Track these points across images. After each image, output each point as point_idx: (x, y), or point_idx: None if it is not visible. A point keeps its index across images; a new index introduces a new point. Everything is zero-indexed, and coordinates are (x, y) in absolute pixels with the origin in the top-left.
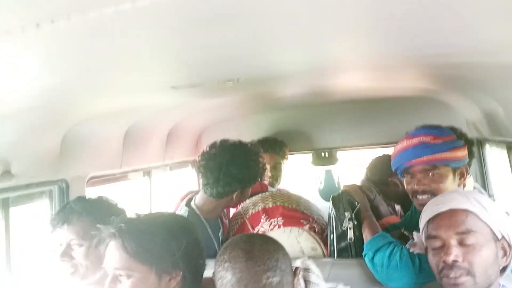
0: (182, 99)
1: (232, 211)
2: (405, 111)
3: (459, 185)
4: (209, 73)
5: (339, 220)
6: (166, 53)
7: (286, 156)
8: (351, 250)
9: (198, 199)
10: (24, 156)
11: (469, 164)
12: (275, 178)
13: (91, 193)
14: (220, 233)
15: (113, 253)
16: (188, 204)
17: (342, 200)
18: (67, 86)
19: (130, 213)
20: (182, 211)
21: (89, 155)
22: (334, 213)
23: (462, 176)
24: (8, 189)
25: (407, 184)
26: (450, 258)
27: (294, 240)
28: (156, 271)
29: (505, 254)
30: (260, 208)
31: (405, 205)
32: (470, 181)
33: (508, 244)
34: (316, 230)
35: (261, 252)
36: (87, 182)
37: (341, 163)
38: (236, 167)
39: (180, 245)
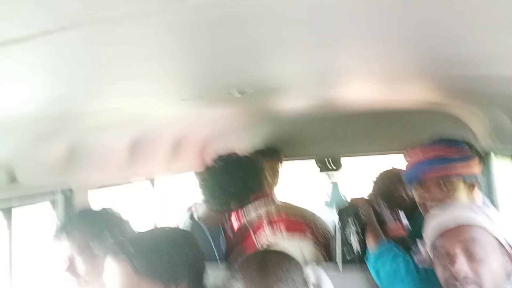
0: (189, 110)
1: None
2: (411, 123)
3: (468, 197)
4: (216, 84)
5: (345, 232)
6: (174, 62)
7: (282, 161)
8: (357, 263)
9: (201, 210)
10: (30, 165)
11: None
12: (275, 182)
13: (96, 199)
14: (221, 240)
15: (118, 270)
16: (191, 217)
17: (349, 212)
18: (74, 95)
19: (134, 223)
20: (186, 223)
21: (95, 164)
22: (340, 226)
23: (473, 188)
24: (13, 198)
25: (418, 196)
26: (459, 273)
27: (298, 251)
28: (163, 284)
29: (511, 261)
30: (264, 219)
31: (412, 218)
32: (477, 192)
33: None
34: (320, 240)
35: (272, 263)
36: (91, 190)
37: (346, 170)
38: (232, 184)
39: (186, 258)
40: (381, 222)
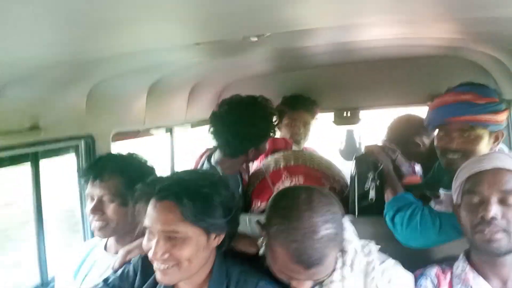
0: (205, 56)
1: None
2: (430, 71)
3: (491, 149)
4: (233, 28)
5: (362, 180)
6: (190, 3)
7: (316, 116)
8: (372, 210)
9: (216, 156)
10: (51, 111)
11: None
12: (303, 136)
13: (116, 148)
14: (240, 189)
15: (166, 215)
16: (209, 160)
17: (365, 160)
18: (91, 41)
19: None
20: (205, 166)
21: (114, 111)
22: (357, 173)
23: (496, 140)
24: (37, 143)
25: (439, 140)
26: (490, 214)
27: None
28: (205, 232)
29: None
30: (281, 166)
31: (426, 165)
32: (500, 143)
33: None
34: (337, 190)
35: (320, 204)
36: (111, 138)
37: (364, 123)
38: (243, 127)
39: (224, 200)
40: (396, 169)
